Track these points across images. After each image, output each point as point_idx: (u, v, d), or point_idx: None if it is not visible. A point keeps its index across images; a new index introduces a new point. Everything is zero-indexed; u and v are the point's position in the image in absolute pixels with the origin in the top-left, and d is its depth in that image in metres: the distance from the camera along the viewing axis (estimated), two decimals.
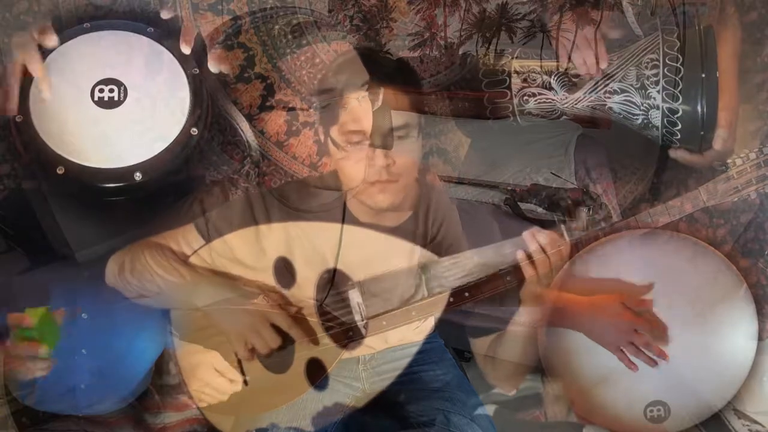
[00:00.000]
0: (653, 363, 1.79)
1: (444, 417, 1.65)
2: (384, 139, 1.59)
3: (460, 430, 1.63)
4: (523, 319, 1.67)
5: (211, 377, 1.70)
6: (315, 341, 1.65)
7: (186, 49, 1.83)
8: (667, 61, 1.74)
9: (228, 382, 1.69)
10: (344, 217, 1.70)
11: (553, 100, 1.85)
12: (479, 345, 1.77)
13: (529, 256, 1.59)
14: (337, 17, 2.01)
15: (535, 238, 1.59)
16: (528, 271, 1.59)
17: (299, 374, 1.66)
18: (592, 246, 1.88)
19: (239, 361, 1.69)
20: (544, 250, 1.58)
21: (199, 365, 1.72)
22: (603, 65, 1.81)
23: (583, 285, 1.83)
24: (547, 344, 1.84)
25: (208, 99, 1.89)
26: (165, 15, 1.87)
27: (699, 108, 1.71)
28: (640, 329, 1.79)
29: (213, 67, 1.86)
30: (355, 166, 1.63)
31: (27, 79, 1.79)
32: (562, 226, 1.57)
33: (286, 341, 1.65)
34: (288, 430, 1.66)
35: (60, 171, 1.76)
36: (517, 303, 1.68)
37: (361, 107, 1.60)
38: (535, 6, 1.96)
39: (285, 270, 1.68)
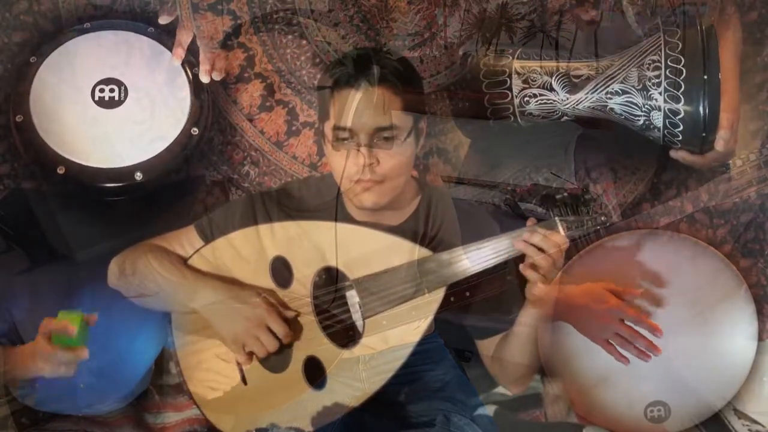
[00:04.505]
0: (645, 356, 1.75)
1: (444, 417, 1.64)
2: (367, 138, 1.59)
3: (460, 430, 1.62)
4: (528, 319, 1.67)
5: (217, 365, 1.70)
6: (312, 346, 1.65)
7: (205, 78, 1.84)
8: (668, 62, 1.73)
9: (234, 368, 1.69)
10: (344, 216, 1.69)
11: (554, 101, 1.85)
12: (485, 346, 1.76)
13: (526, 256, 1.58)
14: (337, 17, 2.01)
15: (532, 236, 1.57)
16: (528, 270, 1.58)
17: (298, 374, 1.65)
18: (592, 246, 1.88)
19: (237, 362, 1.69)
20: (542, 249, 1.57)
21: (203, 359, 1.72)
22: None
23: (580, 280, 1.83)
24: (548, 344, 1.84)
25: (209, 99, 1.89)
26: (163, 20, 1.87)
27: (701, 109, 1.70)
28: (626, 318, 1.75)
29: (204, 78, 1.86)
30: (338, 162, 1.62)
31: (27, 79, 1.80)
32: (562, 226, 1.56)
33: (284, 344, 1.64)
34: (288, 430, 1.65)
35: (60, 171, 1.77)
36: (517, 303, 1.68)
37: (348, 104, 1.60)
38: (535, 6, 1.96)
39: (282, 269, 1.68)
